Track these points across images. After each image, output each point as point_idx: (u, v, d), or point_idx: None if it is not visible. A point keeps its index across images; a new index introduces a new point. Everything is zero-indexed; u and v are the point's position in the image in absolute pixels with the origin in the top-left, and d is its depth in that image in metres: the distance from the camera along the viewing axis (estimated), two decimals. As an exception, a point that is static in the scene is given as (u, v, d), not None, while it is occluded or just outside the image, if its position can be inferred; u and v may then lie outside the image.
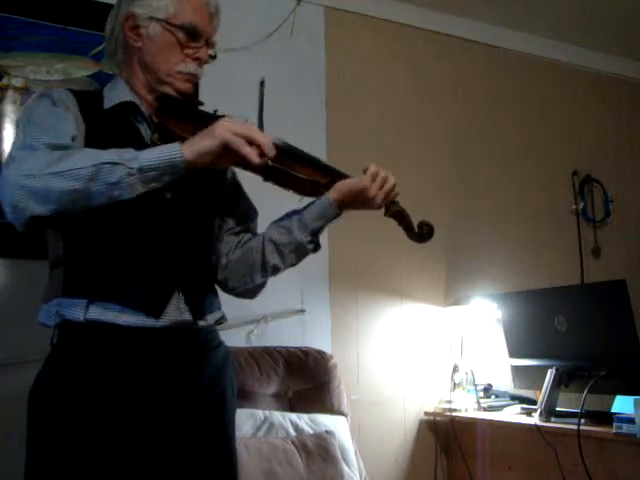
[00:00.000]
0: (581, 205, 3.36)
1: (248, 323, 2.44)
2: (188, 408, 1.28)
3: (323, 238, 2.82)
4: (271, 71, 2.61)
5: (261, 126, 1.30)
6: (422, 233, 1.44)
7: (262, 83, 1.34)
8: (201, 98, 2.41)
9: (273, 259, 1.39)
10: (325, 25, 2.83)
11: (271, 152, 1.20)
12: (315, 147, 2.68)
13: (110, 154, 1.13)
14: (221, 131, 1.16)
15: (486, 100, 3.21)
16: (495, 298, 2.67)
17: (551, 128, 3.37)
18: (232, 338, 2.35)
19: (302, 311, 2.57)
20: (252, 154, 1.17)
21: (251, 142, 1.17)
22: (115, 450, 1.19)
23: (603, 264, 3.36)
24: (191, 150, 1.16)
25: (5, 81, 2.15)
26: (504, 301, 2.58)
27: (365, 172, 1.37)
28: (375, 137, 2.84)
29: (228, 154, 1.17)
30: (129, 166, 1.11)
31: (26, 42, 2.20)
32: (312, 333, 2.57)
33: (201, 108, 1.40)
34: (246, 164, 1.23)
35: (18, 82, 2.17)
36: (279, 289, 2.47)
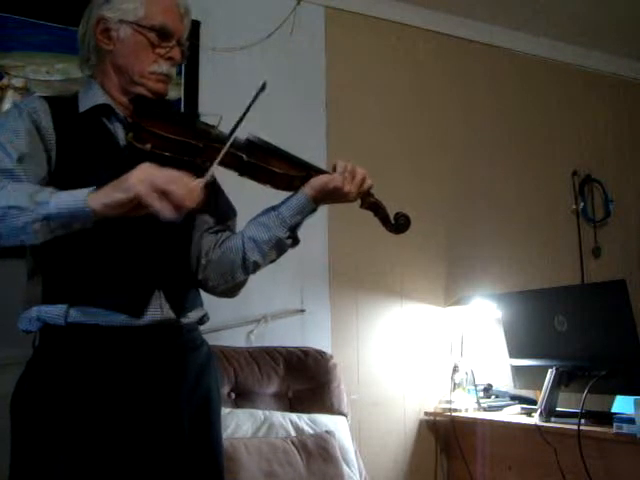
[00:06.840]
0: (581, 205, 3.35)
1: (248, 323, 2.44)
2: (173, 407, 1.28)
3: (323, 238, 2.82)
4: (271, 71, 2.61)
5: (238, 124, 1.28)
6: (399, 224, 1.47)
7: (263, 86, 1.31)
8: (201, 98, 2.44)
9: (254, 256, 1.40)
10: (325, 25, 2.83)
11: (188, 205, 1.10)
12: (315, 147, 2.70)
13: (24, 195, 1.10)
14: (134, 183, 1.08)
15: (486, 100, 3.21)
16: (495, 298, 2.67)
17: (551, 128, 3.37)
18: (232, 338, 2.35)
19: (302, 311, 2.57)
20: (165, 209, 1.08)
21: (167, 194, 1.08)
22: (100, 453, 1.18)
23: (603, 264, 3.36)
24: (100, 201, 1.09)
25: (5, 81, 2.15)
26: (504, 301, 2.58)
27: (334, 169, 1.39)
28: (375, 137, 2.84)
29: (142, 206, 1.10)
30: (37, 212, 1.09)
31: (26, 42, 2.20)
32: (312, 333, 2.56)
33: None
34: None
35: (18, 82, 2.17)
36: (279, 289, 2.47)
